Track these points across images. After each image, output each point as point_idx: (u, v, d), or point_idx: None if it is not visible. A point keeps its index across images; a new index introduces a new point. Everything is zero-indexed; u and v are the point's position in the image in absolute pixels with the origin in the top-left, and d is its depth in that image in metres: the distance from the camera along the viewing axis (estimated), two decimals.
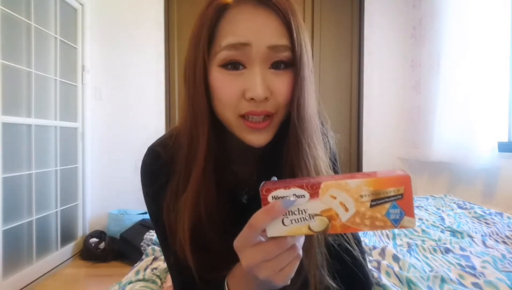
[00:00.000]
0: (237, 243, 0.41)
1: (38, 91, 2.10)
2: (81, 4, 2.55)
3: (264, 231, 0.39)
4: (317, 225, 0.38)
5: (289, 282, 0.42)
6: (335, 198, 0.38)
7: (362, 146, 2.89)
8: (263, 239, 0.41)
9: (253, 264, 0.39)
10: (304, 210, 0.38)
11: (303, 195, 0.38)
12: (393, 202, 0.37)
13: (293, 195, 0.38)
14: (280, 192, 0.38)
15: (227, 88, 0.47)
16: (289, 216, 0.38)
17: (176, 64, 2.82)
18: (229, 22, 0.47)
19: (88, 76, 2.62)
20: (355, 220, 0.38)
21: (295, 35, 0.47)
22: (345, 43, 2.92)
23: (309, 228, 0.38)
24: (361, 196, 0.37)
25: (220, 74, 0.47)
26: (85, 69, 2.59)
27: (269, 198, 0.39)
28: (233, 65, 0.47)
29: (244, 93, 0.47)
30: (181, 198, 0.51)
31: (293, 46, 0.47)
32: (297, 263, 0.41)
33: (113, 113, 2.74)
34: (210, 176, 0.50)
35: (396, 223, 0.37)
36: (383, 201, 0.37)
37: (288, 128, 0.50)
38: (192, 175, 0.50)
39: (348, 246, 0.56)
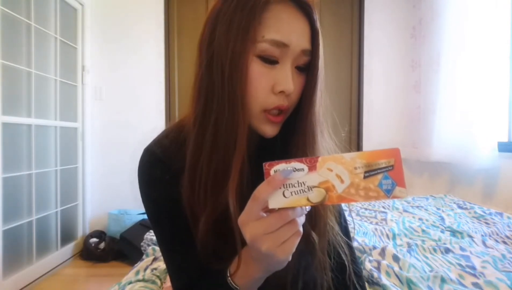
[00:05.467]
0: (242, 217, 0.43)
1: (38, 91, 2.10)
2: (81, 4, 2.55)
3: (266, 208, 0.41)
4: (315, 196, 0.40)
5: (290, 258, 0.43)
6: (331, 170, 0.40)
7: (362, 146, 2.89)
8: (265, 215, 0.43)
9: (256, 236, 0.41)
10: (303, 182, 0.41)
11: (302, 169, 0.41)
12: (385, 173, 0.40)
13: (293, 168, 0.41)
14: (281, 166, 0.41)
15: (261, 79, 0.49)
16: (289, 189, 0.41)
17: (176, 64, 2.82)
18: (273, 17, 0.48)
19: (88, 76, 2.62)
20: (350, 191, 0.40)
21: (320, 42, 0.51)
22: (345, 43, 2.92)
23: (308, 200, 0.41)
24: (355, 168, 0.40)
25: (256, 64, 0.49)
26: (85, 69, 2.60)
27: (271, 172, 0.41)
28: (269, 58, 0.49)
29: (274, 87, 0.49)
30: (211, 187, 0.51)
31: (315, 52, 0.51)
32: (298, 239, 0.43)
33: (113, 113, 2.74)
34: (248, 162, 0.51)
35: (389, 193, 0.40)
36: (376, 172, 0.40)
37: (293, 122, 0.54)
38: (233, 162, 0.49)
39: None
